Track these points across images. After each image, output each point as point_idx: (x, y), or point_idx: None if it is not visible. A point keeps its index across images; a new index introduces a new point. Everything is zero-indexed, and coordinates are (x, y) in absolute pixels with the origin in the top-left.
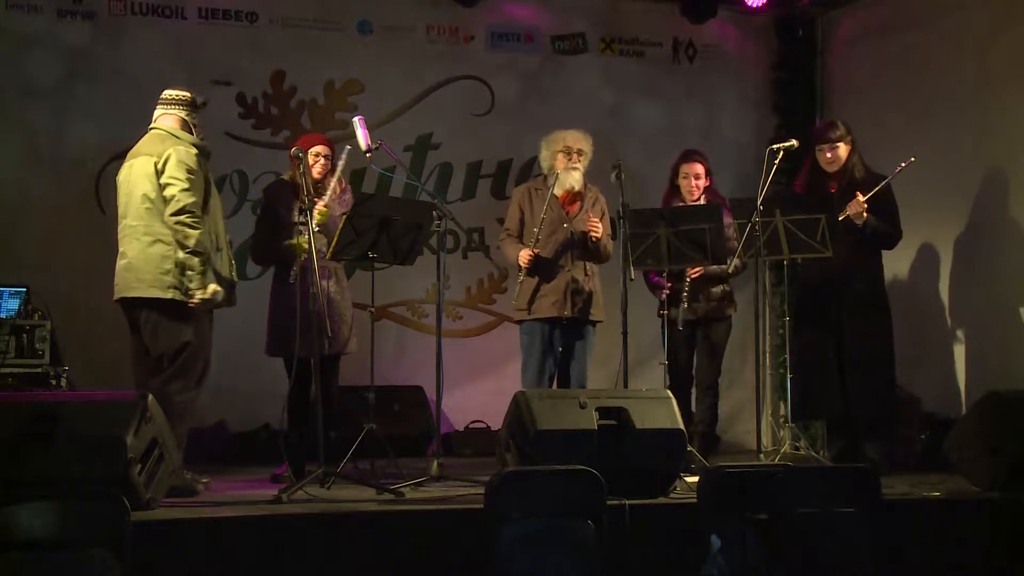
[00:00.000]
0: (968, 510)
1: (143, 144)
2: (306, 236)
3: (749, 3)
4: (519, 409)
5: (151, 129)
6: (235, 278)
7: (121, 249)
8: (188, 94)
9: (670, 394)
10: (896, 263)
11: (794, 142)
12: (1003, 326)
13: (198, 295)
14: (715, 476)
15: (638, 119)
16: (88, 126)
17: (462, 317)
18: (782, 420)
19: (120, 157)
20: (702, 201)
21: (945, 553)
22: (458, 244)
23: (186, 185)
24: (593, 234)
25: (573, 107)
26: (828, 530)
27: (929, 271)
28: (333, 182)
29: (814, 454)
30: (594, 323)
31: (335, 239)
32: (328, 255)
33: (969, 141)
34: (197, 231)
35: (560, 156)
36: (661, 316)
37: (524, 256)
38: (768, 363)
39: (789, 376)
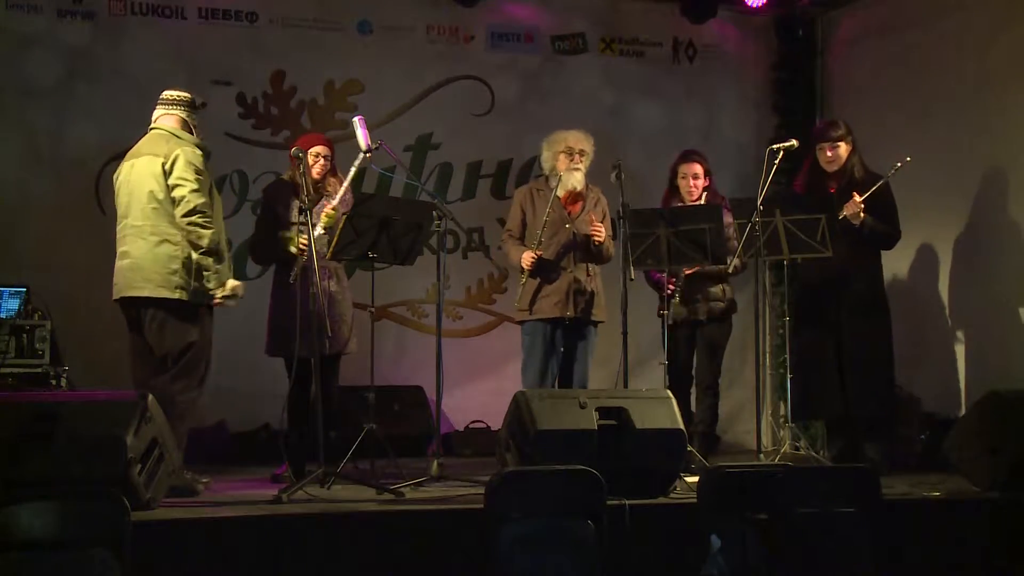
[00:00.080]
0: (968, 510)
1: (145, 144)
2: (304, 234)
3: (749, 3)
4: (519, 409)
5: (152, 129)
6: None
7: (123, 248)
8: (188, 95)
9: (670, 394)
10: (896, 263)
11: (794, 142)
12: (1003, 326)
13: (219, 293)
14: (715, 476)
15: (638, 119)
16: (88, 126)
17: (462, 317)
18: (782, 420)
19: (120, 157)
20: (701, 201)
21: (945, 553)
22: (458, 244)
23: (196, 186)
24: (596, 237)
25: (573, 107)
26: (828, 530)
27: (929, 271)
28: (343, 189)
29: (814, 454)
30: (596, 323)
31: (335, 239)
32: (328, 255)
33: (969, 141)
34: (209, 231)
35: (562, 157)
36: (661, 316)
37: (527, 258)
38: (768, 363)
39: (789, 376)
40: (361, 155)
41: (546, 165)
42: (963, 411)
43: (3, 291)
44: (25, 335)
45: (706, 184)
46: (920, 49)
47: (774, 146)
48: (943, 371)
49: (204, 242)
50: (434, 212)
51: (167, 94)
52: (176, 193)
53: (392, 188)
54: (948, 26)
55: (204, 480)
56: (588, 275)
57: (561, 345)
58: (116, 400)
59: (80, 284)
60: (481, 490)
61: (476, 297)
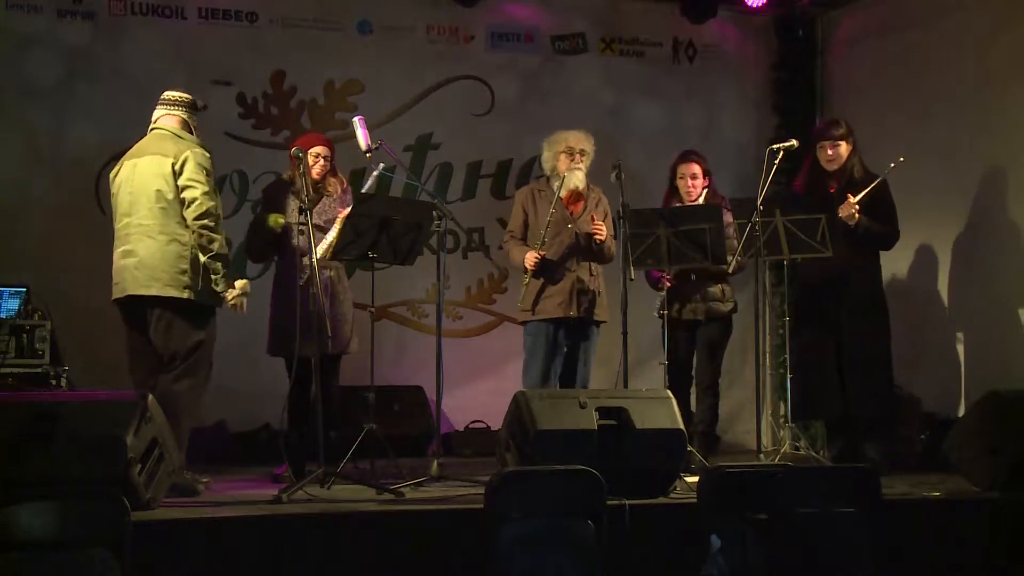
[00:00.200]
0: (968, 510)
1: (149, 143)
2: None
3: (749, 3)
4: (519, 409)
5: (153, 129)
6: None
7: (126, 247)
8: (189, 96)
9: (670, 394)
10: (896, 263)
11: (794, 142)
12: (1003, 326)
13: (229, 295)
14: (715, 476)
15: (638, 119)
16: (88, 126)
17: (462, 317)
18: (782, 420)
19: (120, 157)
20: (701, 201)
21: (945, 553)
22: (458, 244)
23: (208, 188)
24: (597, 236)
25: (573, 107)
26: (828, 530)
27: (929, 271)
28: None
29: (814, 454)
30: (598, 323)
31: (335, 239)
32: (328, 255)
33: (969, 141)
34: (221, 235)
35: (563, 157)
36: (661, 316)
37: (530, 259)
38: (768, 363)
39: (789, 376)
40: (380, 167)
41: (547, 165)
42: (963, 411)
43: (3, 291)
44: (25, 335)
45: (706, 184)
46: (920, 49)
47: (774, 146)
48: (943, 371)
49: (215, 246)
50: (434, 212)
51: (168, 94)
52: (187, 195)
53: (392, 188)
54: (948, 26)
55: (204, 480)
56: (591, 275)
57: (564, 345)
58: (116, 400)
59: (80, 284)
60: (481, 490)
61: (476, 297)
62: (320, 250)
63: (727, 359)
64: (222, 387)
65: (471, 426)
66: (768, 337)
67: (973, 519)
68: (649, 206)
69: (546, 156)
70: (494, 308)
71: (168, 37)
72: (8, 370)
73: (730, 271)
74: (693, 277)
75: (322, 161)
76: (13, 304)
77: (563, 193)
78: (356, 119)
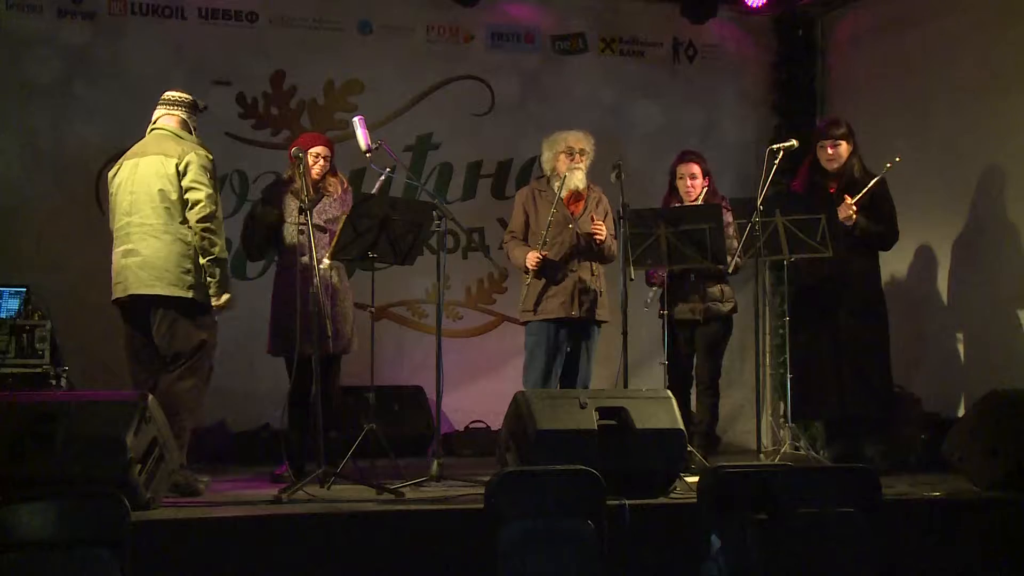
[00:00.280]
0: (968, 510)
1: (148, 144)
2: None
3: (749, 3)
4: (519, 409)
5: (153, 129)
6: None
7: (127, 246)
8: (190, 96)
9: (670, 394)
10: (896, 263)
11: (794, 142)
12: (1003, 326)
13: (213, 302)
14: (715, 476)
15: (638, 119)
16: (88, 126)
17: (462, 317)
18: (782, 420)
19: (119, 158)
20: (700, 201)
21: (945, 553)
22: (458, 244)
23: (211, 191)
24: (597, 237)
25: (573, 107)
26: (828, 530)
27: (929, 271)
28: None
29: (814, 454)
30: (599, 323)
31: (335, 239)
32: (328, 255)
33: (969, 141)
34: (222, 239)
35: (562, 157)
36: (661, 316)
37: (532, 259)
38: (768, 363)
39: (789, 376)
40: (387, 172)
41: (547, 166)
42: (963, 411)
43: (3, 291)
44: (25, 335)
45: (705, 184)
46: (920, 49)
47: (774, 146)
48: (943, 371)
49: (216, 250)
50: (434, 212)
51: (168, 95)
52: (192, 196)
53: (392, 188)
54: (948, 26)
55: (204, 479)
56: (592, 274)
57: (565, 345)
58: (116, 400)
59: (80, 284)
60: (481, 490)
61: (476, 297)
62: (325, 263)
63: (727, 359)
64: (222, 387)
65: (471, 426)
66: (768, 337)
67: (973, 519)
68: (649, 206)
69: (546, 156)
70: (494, 308)
71: (168, 37)
72: (8, 370)
73: (730, 271)
74: (692, 277)
75: (322, 161)
76: (13, 304)
77: (564, 193)
78: (356, 119)
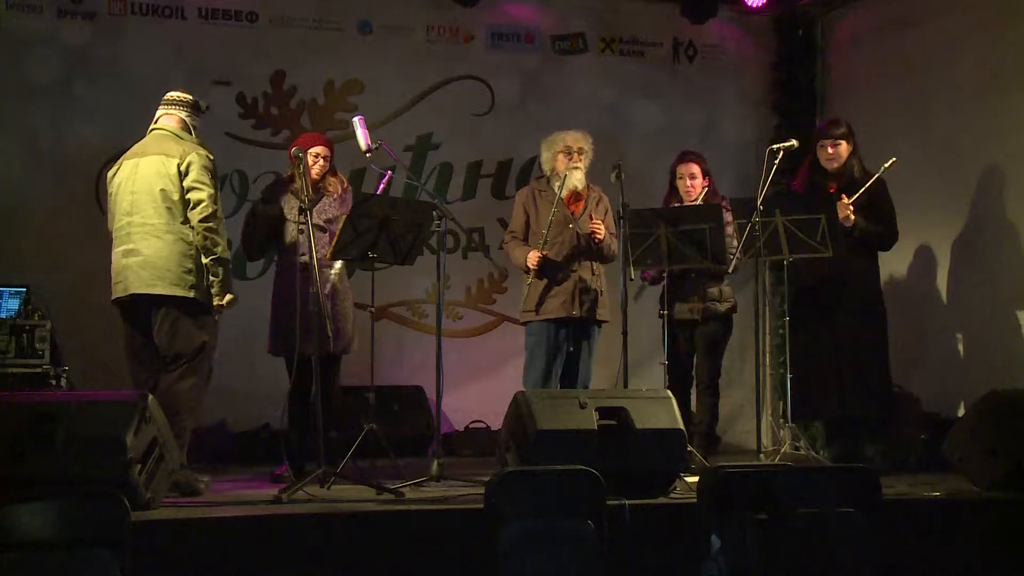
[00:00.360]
0: (968, 510)
1: (149, 144)
2: (297, 228)
3: (749, 3)
4: (519, 409)
5: (153, 130)
6: None
7: (128, 246)
8: (191, 97)
9: (670, 394)
10: (896, 263)
11: (794, 142)
12: (1002, 326)
13: (216, 302)
14: (715, 476)
15: (638, 119)
16: (88, 126)
17: (462, 317)
18: (782, 420)
19: (118, 158)
20: (699, 201)
21: (945, 553)
22: (458, 244)
23: (213, 191)
24: (596, 235)
25: (573, 107)
26: (828, 530)
27: (929, 271)
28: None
29: (814, 454)
30: (600, 323)
31: (335, 239)
32: (328, 255)
33: (969, 141)
34: (224, 239)
35: (560, 157)
36: (661, 316)
37: (533, 258)
38: (768, 363)
39: (789, 376)
40: (387, 174)
41: (546, 166)
42: (963, 411)
43: (3, 291)
44: (25, 335)
45: (705, 184)
46: (920, 49)
47: (774, 146)
48: (943, 371)
49: (218, 250)
50: (434, 212)
51: (170, 95)
52: (194, 196)
53: (392, 188)
54: (948, 26)
55: (204, 479)
56: (593, 274)
57: (566, 345)
58: (116, 400)
59: (80, 284)
60: (481, 490)
61: (476, 297)
62: (334, 276)
63: (727, 359)
64: (222, 387)
65: (471, 426)
66: (768, 337)
67: (973, 519)
68: (649, 206)
69: (545, 157)
70: (494, 308)
71: (168, 37)
72: (8, 370)
73: (730, 270)
74: (693, 276)
75: (321, 161)
76: (13, 304)
77: (564, 193)
78: (356, 119)
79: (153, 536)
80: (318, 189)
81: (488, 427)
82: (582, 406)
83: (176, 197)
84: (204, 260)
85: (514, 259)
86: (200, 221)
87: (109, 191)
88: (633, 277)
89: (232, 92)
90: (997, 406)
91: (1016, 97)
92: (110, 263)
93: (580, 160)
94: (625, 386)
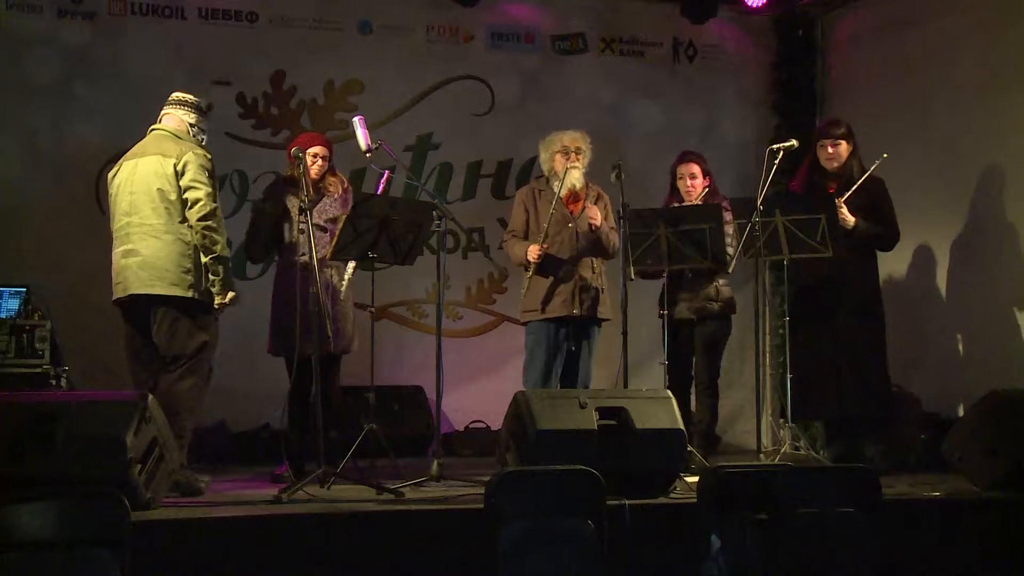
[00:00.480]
0: (968, 510)
1: (148, 144)
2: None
3: (749, 3)
4: (519, 409)
5: (153, 130)
6: None
7: (128, 246)
8: (194, 98)
9: (670, 394)
10: (895, 263)
11: (794, 142)
12: (1003, 326)
13: (217, 300)
14: (715, 476)
15: (638, 119)
16: (88, 126)
17: (462, 317)
18: (782, 420)
19: (119, 158)
20: (699, 201)
21: (945, 553)
22: (458, 244)
23: (210, 189)
24: (593, 221)
25: (573, 107)
26: (828, 530)
27: (928, 271)
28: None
29: (814, 454)
30: (601, 322)
31: (335, 239)
32: (328, 255)
33: (969, 141)
34: (223, 237)
35: (558, 157)
36: (661, 316)
37: (533, 251)
38: (768, 363)
39: (789, 376)
40: (386, 174)
41: (544, 167)
42: (963, 411)
43: (3, 291)
44: (25, 335)
45: (706, 184)
46: (920, 49)
47: (774, 146)
48: (943, 371)
49: (218, 248)
50: (434, 212)
51: (174, 95)
52: (191, 195)
53: (392, 188)
54: (948, 26)
55: (204, 479)
56: (593, 272)
57: (567, 344)
58: (116, 400)
59: (80, 284)
60: (481, 490)
61: (476, 297)
62: (344, 290)
63: (727, 359)
64: (222, 387)
65: (471, 426)
66: (768, 337)
67: (973, 519)
68: (649, 206)
69: (543, 157)
70: (494, 308)
71: (168, 37)
72: (8, 370)
73: (729, 270)
74: (689, 274)
75: (320, 161)
76: (13, 304)
77: (563, 193)
78: (356, 119)
79: (153, 536)
80: (318, 189)
81: (488, 427)
82: (582, 406)
83: (174, 197)
84: (204, 259)
85: (514, 255)
86: (198, 220)
87: (110, 192)
88: (633, 277)
89: (232, 92)
90: (997, 406)
91: (1016, 97)
92: (110, 263)
93: (578, 160)
94: (625, 386)
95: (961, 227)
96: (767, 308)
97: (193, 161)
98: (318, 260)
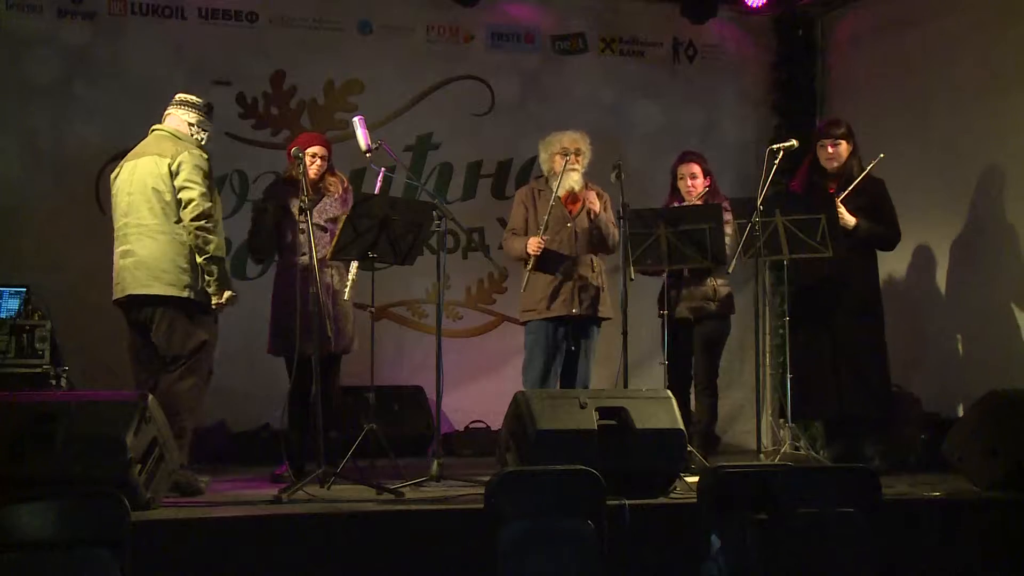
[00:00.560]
0: (968, 510)
1: (149, 144)
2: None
3: (749, 3)
4: (519, 409)
5: (155, 130)
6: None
7: (125, 247)
8: (197, 99)
9: (670, 394)
10: (895, 263)
11: (794, 142)
12: (1002, 326)
13: (213, 300)
14: (715, 476)
15: (638, 119)
16: (88, 126)
17: (462, 317)
18: (782, 420)
19: (120, 157)
20: (701, 201)
21: (945, 553)
22: (458, 244)
23: (204, 189)
24: (592, 207)
25: (573, 107)
26: (828, 530)
27: (928, 271)
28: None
29: (814, 454)
30: (601, 321)
31: (335, 239)
32: (328, 255)
33: (969, 141)
34: (216, 237)
35: (557, 158)
36: (661, 316)
37: (533, 243)
38: (768, 363)
39: (789, 376)
40: (383, 171)
41: (544, 167)
42: (963, 411)
43: (3, 291)
44: (25, 335)
45: (707, 184)
46: (920, 49)
47: (774, 146)
48: (942, 371)
49: (211, 248)
50: (434, 212)
51: (178, 96)
52: (184, 196)
53: (392, 188)
54: (948, 26)
55: (204, 479)
56: (593, 271)
57: (566, 343)
58: (116, 400)
59: (80, 284)
60: (481, 490)
61: (476, 297)
62: (348, 293)
63: (726, 359)
64: (222, 387)
65: (471, 426)
66: (768, 337)
67: (973, 519)
68: (649, 206)
69: (543, 157)
70: (494, 308)
71: (168, 37)
72: (8, 370)
73: (730, 270)
74: (686, 273)
75: (319, 161)
76: (13, 304)
77: (561, 193)
78: (356, 119)
79: (153, 536)
80: (318, 189)
81: (488, 427)
82: (582, 406)
83: (169, 197)
84: (198, 259)
85: (513, 250)
86: (192, 220)
87: (112, 192)
88: (633, 277)
89: (232, 92)
90: (997, 406)
91: (1016, 97)
92: (110, 263)
93: (577, 161)
94: (625, 386)
95: (961, 227)
96: (767, 308)
97: (187, 161)
98: (318, 260)
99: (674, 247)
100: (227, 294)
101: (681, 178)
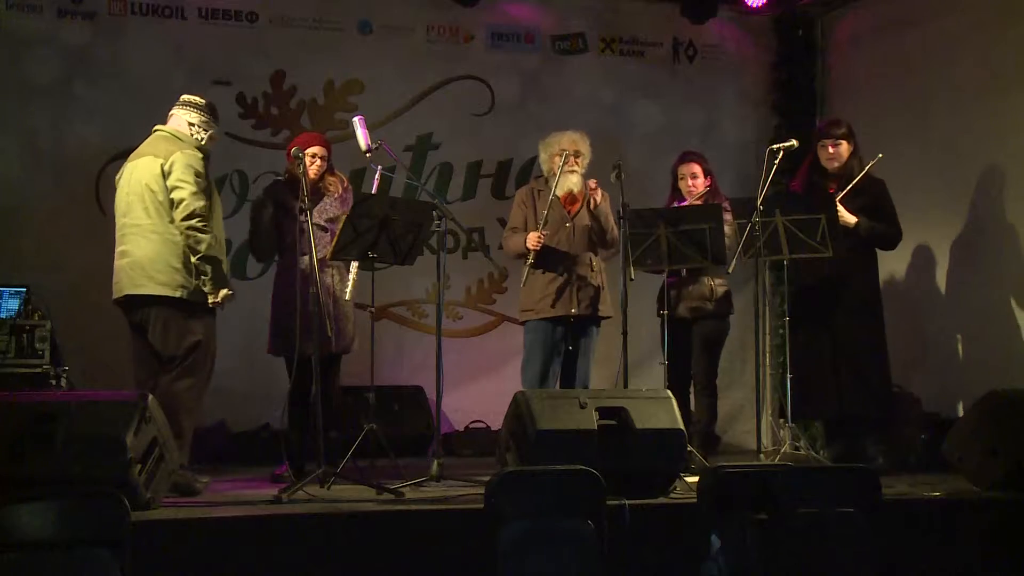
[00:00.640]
0: (968, 510)
1: (147, 145)
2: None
3: (749, 3)
4: (519, 409)
5: (156, 130)
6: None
7: (123, 247)
8: (201, 99)
9: (670, 394)
10: (895, 263)
11: (794, 142)
12: (1002, 326)
13: (210, 300)
14: (715, 476)
15: (638, 119)
16: (88, 126)
17: (462, 317)
18: (782, 420)
19: (120, 157)
20: (702, 201)
21: (945, 553)
22: (458, 244)
23: (195, 189)
24: (593, 195)
25: (573, 107)
26: (828, 530)
27: (928, 271)
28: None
29: (814, 454)
30: (600, 321)
31: (335, 239)
32: (328, 255)
33: (969, 141)
34: (208, 236)
35: (557, 159)
36: (661, 316)
37: (532, 238)
38: (768, 363)
39: (789, 376)
40: (380, 169)
41: (544, 167)
42: (963, 411)
43: (3, 291)
44: (25, 335)
45: (707, 184)
46: (920, 49)
47: (774, 146)
48: (943, 371)
49: (202, 247)
50: (434, 212)
51: (182, 97)
52: (175, 195)
53: (392, 188)
54: (948, 26)
55: (204, 479)
56: (592, 270)
57: (565, 343)
58: (116, 400)
59: (80, 284)
60: (481, 490)
61: (476, 297)
62: (349, 293)
63: (726, 359)
64: (222, 387)
65: (471, 426)
66: (768, 337)
67: (973, 519)
68: (649, 206)
69: (543, 158)
70: (494, 308)
71: (168, 37)
72: (8, 370)
73: (730, 270)
74: (683, 273)
75: (319, 161)
76: (13, 304)
77: (560, 193)
78: (356, 119)
79: (153, 536)
80: (318, 189)
81: (488, 427)
82: (582, 406)
83: (162, 197)
84: (192, 259)
85: (513, 247)
86: (182, 219)
87: (116, 192)
88: (633, 277)
89: (232, 92)
90: (997, 406)
91: (1016, 97)
92: (111, 263)
93: (577, 163)
94: (625, 386)
95: (961, 227)
96: (767, 308)
97: (180, 161)
98: (318, 260)
99: (674, 247)
100: (223, 293)
101: (682, 178)
